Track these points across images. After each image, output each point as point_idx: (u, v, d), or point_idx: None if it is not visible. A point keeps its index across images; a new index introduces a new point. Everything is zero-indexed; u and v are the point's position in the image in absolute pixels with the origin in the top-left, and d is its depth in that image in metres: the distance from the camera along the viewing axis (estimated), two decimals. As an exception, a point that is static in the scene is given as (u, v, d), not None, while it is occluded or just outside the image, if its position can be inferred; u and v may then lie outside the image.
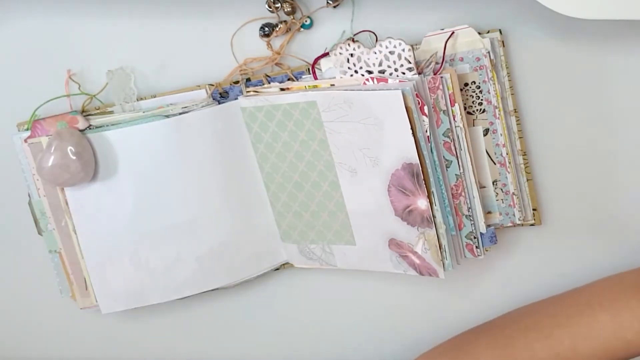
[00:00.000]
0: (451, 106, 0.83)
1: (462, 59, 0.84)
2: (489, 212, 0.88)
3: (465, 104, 0.85)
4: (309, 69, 0.89)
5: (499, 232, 0.90)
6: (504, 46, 0.85)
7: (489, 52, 0.84)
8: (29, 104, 0.91)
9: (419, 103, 0.80)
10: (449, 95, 0.83)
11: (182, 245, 0.93)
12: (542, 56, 0.87)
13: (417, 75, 0.81)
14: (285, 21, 0.89)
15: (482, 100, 0.85)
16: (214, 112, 0.91)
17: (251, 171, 0.93)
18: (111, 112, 0.92)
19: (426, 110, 0.80)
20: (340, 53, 0.84)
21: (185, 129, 0.90)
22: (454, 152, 0.83)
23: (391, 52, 0.81)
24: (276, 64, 0.91)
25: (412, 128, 0.80)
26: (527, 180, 0.88)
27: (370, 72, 0.83)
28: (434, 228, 0.83)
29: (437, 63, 0.84)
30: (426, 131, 0.81)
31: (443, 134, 0.83)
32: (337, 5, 0.88)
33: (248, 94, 0.89)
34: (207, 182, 0.91)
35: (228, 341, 1.02)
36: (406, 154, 0.81)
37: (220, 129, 0.91)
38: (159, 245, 0.93)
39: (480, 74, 0.84)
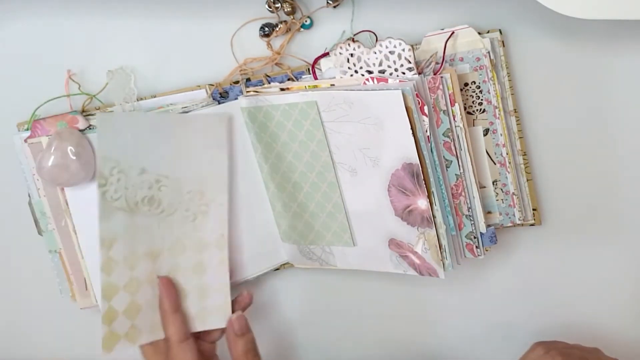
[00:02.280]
0: (451, 106, 0.83)
1: (462, 59, 0.84)
2: (489, 212, 0.88)
3: (465, 104, 0.85)
4: (309, 69, 0.89)
5: (499, 232, 0.90)
6: (504, 46, 0.85)
7: (489, 52, 0.84)
8: (29, 104, 0.91)
9: (419, 103, 0.80)
10: (449, 95, 0.83)
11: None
12: (542, 56, 0.87)
13: (417, 75, 0.81)
14: (285, 21, 0.89)
15: (482, 100, 0.85)
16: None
17: (251, 171, 0.93)
18: (111, 112, 0.92)
19: (426, 110, 0.80)
20: (340, 53, 0.84)
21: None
22: (454, 152, 0.83)
23: (391, 52, 0.81)
24: (276, 64, 0.91)
25: (412, 128, 0.80)
26: (527, 180, 0.88)
27: (370, 72, 0.83)
28: (434, 228, 0.83)
29: (437, 63, 0.84)
30: (426, 131, 0.81)
31: (443, 134, 0.83)
32: (337, 5, 0.88)
33: (248, 94, 0.89)
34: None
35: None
36: (406, 154, 0.81)
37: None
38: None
39: (480, 74, 0.84)
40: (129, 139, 0.86)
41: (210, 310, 0.90)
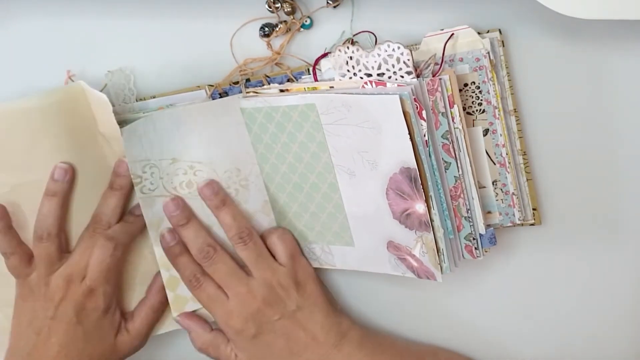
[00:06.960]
0: (450, 108, 0.82)
1: (461, 60, 0.84)
2: (489, 212, 0.88)
3: (464, 104, 0.85)
4: (308, 69, 0.88)
5: (499, 232, 0.90)
6: (503, 46, 0.85)
7: (488, 53, 0.84)
8: (29, 104, 0.92)
9: (417, 107, 0.80)
10: (448, 97, 0.82)
11: (183, 244, 0.94)
12: (542, 56, 0.86)
13: (415, 79, 0.80)
14: (285, 21, 0.89)
15: (481, 100, 0.85)
16: (214, 113, 0.91)
17: (251, 171, 0.93)
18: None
19: (424, 115, 0.80)
20: (338, 55, 0.84)
21: (185, 129, 0.90)
22: (453, 154, 0.83)
23: (390, 56, 0.81)
24: (276, 64, 0.91)
25: (410, 132, 0.80)
26: (527, 180, 0.88)
27: (369, 75, 0.83)
28: (432, 232, 0.83)
29: (436, 64, 0.83)
30: (424, 135, 0.81)
31: (442, 136, 0.82)
32: (337, 5, 0.88)
33: (247, 94, 0.89)
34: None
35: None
36: (404, 158, 0.81)
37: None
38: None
39: (480, 74, 0.84)
40: (153, 136, 0.88)
41: None
